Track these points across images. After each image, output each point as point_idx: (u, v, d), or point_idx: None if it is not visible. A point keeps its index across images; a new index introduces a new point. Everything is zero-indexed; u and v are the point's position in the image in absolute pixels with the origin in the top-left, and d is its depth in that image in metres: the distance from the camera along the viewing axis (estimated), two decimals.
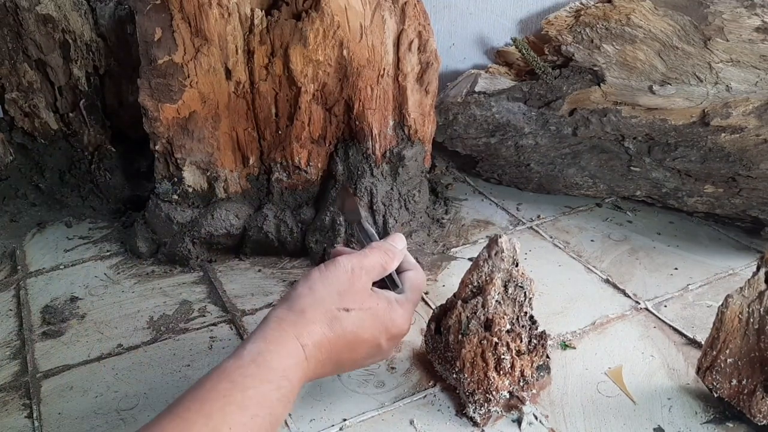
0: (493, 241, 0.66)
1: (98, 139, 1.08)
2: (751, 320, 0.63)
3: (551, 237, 1.00)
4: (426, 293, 0.88)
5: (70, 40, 1.01)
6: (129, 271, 0.95)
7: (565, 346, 0.78)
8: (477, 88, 1.03)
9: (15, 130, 1.07)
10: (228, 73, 0.87)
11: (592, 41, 0.96)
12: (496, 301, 0.65)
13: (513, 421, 0.68)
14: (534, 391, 0.70)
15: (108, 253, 0.99)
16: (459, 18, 1.13)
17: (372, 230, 0.73)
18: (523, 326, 0.67)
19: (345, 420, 0.69)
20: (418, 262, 0.91)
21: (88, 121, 1.06)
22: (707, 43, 0.89)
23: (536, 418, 0.68)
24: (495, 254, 0.65)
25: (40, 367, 0.77)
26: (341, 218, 0.91)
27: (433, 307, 0.79)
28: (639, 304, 0.84)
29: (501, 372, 0.66)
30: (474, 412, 0.67)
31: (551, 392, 0.71)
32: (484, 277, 0.66)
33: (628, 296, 0.86)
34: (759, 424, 0.64)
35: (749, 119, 0.90)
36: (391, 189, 0.92)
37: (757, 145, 0.90)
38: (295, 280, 0.91)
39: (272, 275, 0.93)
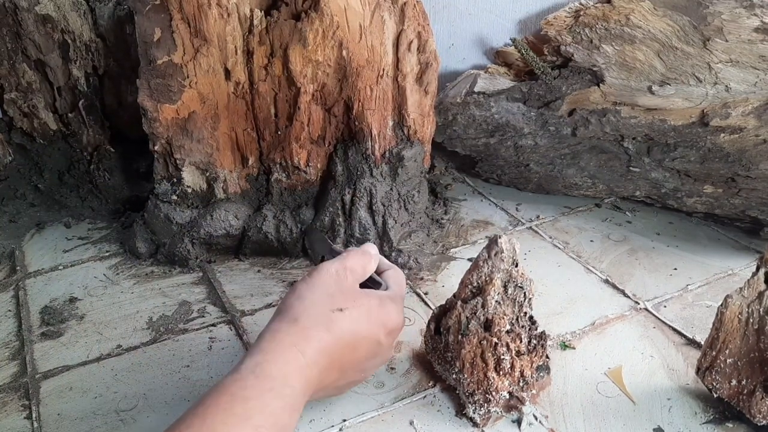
0: (492, 242, 0.65)
1: (97, 140, 1.07)
2: (751, 320, 0.63)
3: (551, 237, 1.00)
4: (426, 293, 0.88)
5: (70, 41, 1.01)
6: (128, 272, 0.94)
7: (564, 346, 0.78)
8: (476, 89, 1.03)
9: (14, 131, 1.07)
10: (227, 74, 0.86)
11: (591, 41, 0.96)
12: (496, 301, 0.65)
13: (513, 421, 0.68)
14: (534, 391, 0.70)
15: (107, 254, 0.99)
16: (458, 18, 1.13)
17: (342, 249, 0.74)
18: (522, 327, 0.67)
19: (345, 420, 0.68)
20: (417, 262, 0.92)
21: (87, 122, 1.06)
22: (706, 43, 0.89)
23: (536, 419, 0.68)
24: (494, 255, 0.65)
25: (39, 368, 0.77)
26: (341, 218, 0.91)
27: (433, 307, 0.79)
28: (638, 304, 0.84)
29: (501, 372, 0.66)
30: (474, 413, 0.67)
31: (551, 392, 0.71)
32: (483, 277, 0.66)
33: (628, 296, 0.86)
34: (759, 424, 0.64)
35: (748, 119, 0.90)
36: (391, 189, 0.92)
37: (756, 145, 0.90)
38: (294, 280, 0.91)
39: (272, 276, 0.93)
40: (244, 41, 0.85)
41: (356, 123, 0.89)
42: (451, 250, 0.97)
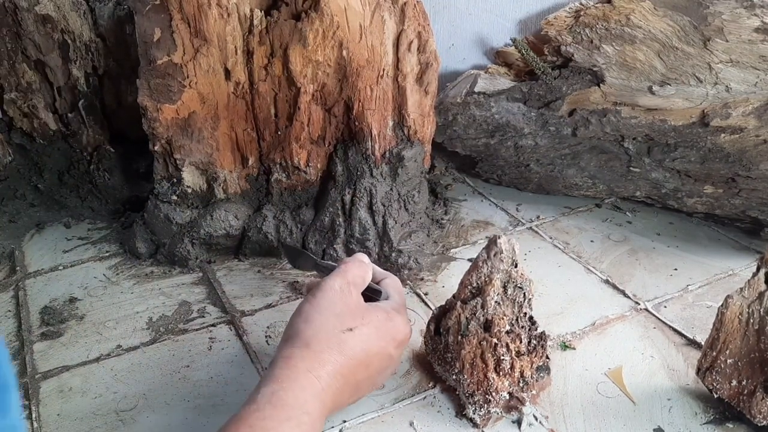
0: (492, 242, 0.65)
1: (97, 140, 1.07)
2: (751, 321, 0.63)
3: (551, 237, 0.99)
4: (426, 294, 0.88)
5: (69, 41, 1.01)
6: (128, 272, 0.94)
7: (564, 346, 0.78)
8: (476, 89, 1.03)
9: (14, 131, 1.07)
10: (227, 74, 0.86)
11: (591, 42, 0.96)
12: (496, 302, 0.65)
13: (513, 422, 0.68)
14: (534, 391, 0.70)
15: (107, 254, 0.99)
16: (458, 18, 1.13)
17: (329, 262, 0.73)
18: (522, 327, 0.67)
19: (345, 422, 0.68)
20: (417, 262, 0.92)
21: (87, 122, 1.06)
22: (707, 43, 0.89)
23: (536, 419, 0.68)
24: (494, 255, 0.65)
25: (38, 368, 0.77)
26: (341, 219, 0.91)
27: (433, 308, 0.79)
28: (639, 304, 0.84)
29: (501, 373, 0.66)
30: (474, 413, 0.67)
31: (551, 393, 0.71)
32: (483, 278, 0.66)
33: (628, 297, 0.86)
34: (759, 424, 0.64)
35: (749, 120, 0.90)
36: (391, 189, 0.92)
37: (756, 145, 0.90)
38: (295, 281, 0.91)
39: (272, 276, 0.93)
40: (244, 41, 0.85)
41: (356, 123, 0.89)
42: (451, 250, 0.97)
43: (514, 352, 0.66)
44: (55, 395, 0.73)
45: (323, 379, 0.55)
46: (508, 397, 0.68)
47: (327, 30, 0.83)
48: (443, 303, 0.71)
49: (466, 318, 0.66)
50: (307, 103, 0.88)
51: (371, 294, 0.66)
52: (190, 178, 0.93)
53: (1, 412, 0.29)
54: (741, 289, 0.64)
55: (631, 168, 0.99)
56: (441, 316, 0.70)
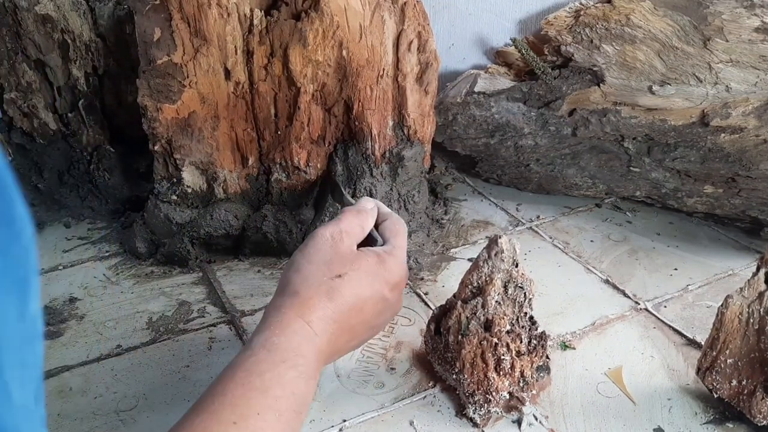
0: (492, 242, 0.65)
1: (97, 140, 1.07)
2: (751, 321, 0.63)
3: (551, 237, 0.99)
4: (426, 294, 0.88)
5: (69, 40, 1.01)
6: (128, 272, 0.94)
7: (564, 346, 0.78)
8: (476, 89, 1.03)
9: (14, 131, 1.07)
10: (227, 74, 0.86)
11: (591, 41, 0.96)
12: (496, 301, 0.65)
13: (513, 421, 0.68)
14: (534, 391, 0.70)
15: (107, 254, 0.99)
16: (458, 18, 1.13)
17: (350, 199, 0.73)
18: (522, 327, 0.67)
19: (345, 421, 0.68)
20: (417, 262, 0.92)
21: (87, 122, 1.06)
22: (707, 43, 0.89)
23: (536, 419, 0.68)
24: (495, 255, 0.65)
25: None
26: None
27: (433, 307, 0.79)
28: (639, 304, 0.84)
29: (501, 373, 0.66)
30: (474, 413, 0.67)
31: (551, 393, 0.71)
32: (483, 277, 0.66)
33: (628, 297, 0.86)
34: (759, 424, 0.64)
35: (749, 119, 0.90)
36: (391, 189, 0.92)
37: (756, 145, 0.90)
38: None
39: (272, 276, 0.93)
40: (244, 41, 0.85)
41: (356, 123, 0.89)
42: (451, 250, 0.97)
43: (514, 352, 0.66)
44: (55, 395, 0.73)
45: (315, 324, 0.55)
46: (508, 397, 0.68)
47: (327, 30, 0.83)
48: (443, 303, 0.71)
49: (467, 317, 0.66)
50: (307, 102, 0.88)
51: (371, 242, 0.65)
52: (190, 177, 0.93)
53: (23, 300, 0.29)
54: (741, 288, 0.64)
55: (631, 168, 0.99)
56: (441, 315, 0.70)
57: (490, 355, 0.65)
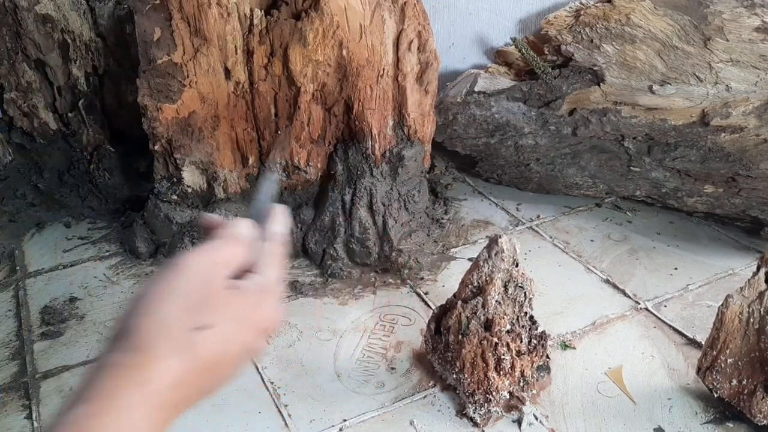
0: (493, 242, 0.65)
1: (97, 139, 1.07)
2: (752, 320, 0.63)
3: (551, 237, 0.99)
4: (426, 293, 0.88)
5: (69, 40, 1.01)
6: (128, 272, 0.94)
7: (565, 346, 0.78)
8: (477, 88, 1.03)
9: (14, 130, 1.07)
10: (227, 73, 0.86)
11: (591, 41, 0.96)
12: (496, 301, 0.65)
13: (513, 421, 0.68)
14: (534, 391, 0.70)
15: (107, 254, 0.99)
16: (458, 18, 1.13)
17: (264, 204, 0.54)
18: (523, 326, 0.67)
19: (345, 420, 0.68)
20: (417, 262, 0.92)
21: (87, 121, 1.06)
22: (707, 43, 0.89)
23: (536, 419, 0.68)
24: (495, 254, 0.65)
25: (39, 368, 0.77)
26: (341, 218, 0.91)
27: (433, 307, 0.79)
28: (639, 304, 0.84)
29: (501, 372, 0.66)
30: (474, 413, 0.67)
31: (551, 392, 0.71)
32: (484, 277, 0.66)
33: (628, 296, 0.86)
34: (759, 424, 0.64)
35: (749, 119, 0.90)
36: (391, 189, 0.92)
37: (756, 144, 0.90)
38: (296, 280, 0.91)
39: None
40: (244, 41, 0.85)
41: (356, 123, 0.89)
42: (452, 249, 0.97)
43: (514, 352, 0.66)
44: (55, 395, 0.73)
45: (156, 395, 0.41)
46: (508, 397, 0.68)
47: (327, 29, 0.83)
48: (444, 302, 0.71)
49: (467, 317, 0.66)
50: (307, 102, 0.88)
51: (243, 273, 0.47)
52: (190, 177, 0.93)
53: None
54: (741, 288, 0.64)
55: (632, 167, 0.99)
56: (441, 315, 0.70)
57: (490, 354, 0.65)
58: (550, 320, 0.81)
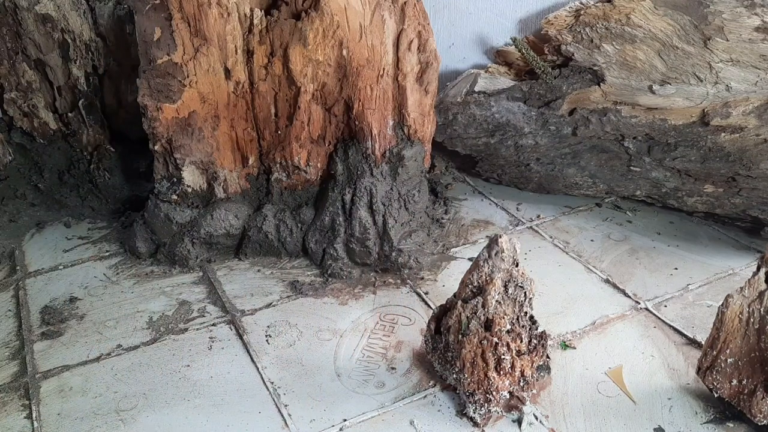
0: (493, 241, 0.65)
1: (97, 139, 1.07)
2: (752, 320, 0.63)
3: (551, 237, 0.99)
4: (426, 293, 0.88)
5: (69, 40, 1.01)
6: (128, 272, 0.94)
7: (565, 346, 0.78)
8: (477, 88, 1.03)
9: (14, 130, 1.07)
10: (227, 73, 0.86)
11: (591, 41, 0.96)
12: (497, 301, 0.65)
13: (513, 421, 0.68)
14: (534, 391, 0.70)
15: (107, 254, 0.99)
16: (458, 18, 1.13)
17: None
18: (523, 326, 0.67)
19: (345, 420, 0.68)
20: (417, 262, 0.92)
21: (87, 121, 1.06)
22: (707, 42, 0.89)
23: (536, 418, 0.68)
24: (495, 254, 0.65)
25: (39, 368, 0.77)
26: (341, 218, 0.91)
27: (433, 307, 0.79)
28: (639, 304, 0.84)
29: (501, 372, 0.66)
30: (474, 413, 0.67)
31: (551, 392, 0.71)
32: (484, 277, 0.66)
33: (628, 296, 0.86)
34: (759, 424, 0.64)
35: (749, 119, 0.90)
36: (391, 189, 0.92)
37: (757, 144, 0.90)
38: (295, 280, 0.91)
39: (272, 275, 0.93)
40: (244, 41, 0.85)
41: (356, 122, 0.89)
42: (452, 249, 0.97)
43: (514, 352, 0.66)
44: (55, 395, 0.73)
45: None
46: (508, 396, 0.68)
47: (327, 29, 0.83)
48: (444, 302, 0.71)
49: (467, 317, 0.66)
50: (307, 102, 0.88)
51: None
52: (191, 177, 0.93)
53: None
54: (741, 288, 0.64)
55: (632, 167, 0.99)
56: (442, 315, 0.70)
57: (490, 354, 0.65)
58: (550, 320, 0.81)
